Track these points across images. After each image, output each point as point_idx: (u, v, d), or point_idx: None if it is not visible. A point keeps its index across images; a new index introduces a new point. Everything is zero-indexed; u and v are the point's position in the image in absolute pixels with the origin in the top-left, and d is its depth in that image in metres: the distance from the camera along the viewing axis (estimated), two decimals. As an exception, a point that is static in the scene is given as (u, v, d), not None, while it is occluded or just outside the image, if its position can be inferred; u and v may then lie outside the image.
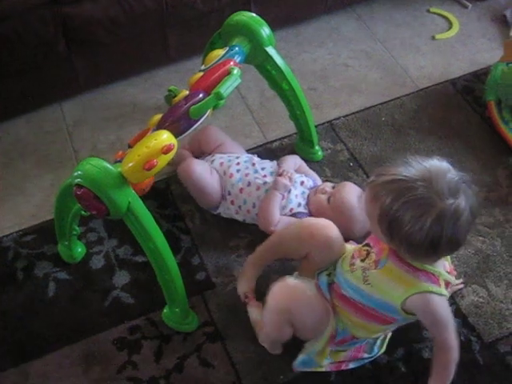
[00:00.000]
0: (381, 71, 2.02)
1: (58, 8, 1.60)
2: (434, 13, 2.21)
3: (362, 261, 1.24)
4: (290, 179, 1.56)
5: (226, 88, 1.26)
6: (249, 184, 1.57)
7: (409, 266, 1.17)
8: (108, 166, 1.19)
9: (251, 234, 1.59)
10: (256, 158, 1.65)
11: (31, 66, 1.72)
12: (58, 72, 1.78)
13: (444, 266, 1.23)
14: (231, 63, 1.34)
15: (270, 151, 1.79)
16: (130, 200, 1.20)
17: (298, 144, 1.76)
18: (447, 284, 1.22)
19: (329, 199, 1.53)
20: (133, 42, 1.82)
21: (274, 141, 1.82)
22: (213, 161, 1.62)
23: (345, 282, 1.27)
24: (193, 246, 1.58)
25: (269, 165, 1.62)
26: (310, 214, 1.56)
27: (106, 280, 1.51)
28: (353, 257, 1.27)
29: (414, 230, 1.07)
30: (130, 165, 1.16)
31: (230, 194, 1.57)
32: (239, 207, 1.57)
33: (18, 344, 1.42)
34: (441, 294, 1.18)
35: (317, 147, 1.75)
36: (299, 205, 1.56)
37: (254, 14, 1.51)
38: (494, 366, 1.39)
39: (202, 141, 1.69)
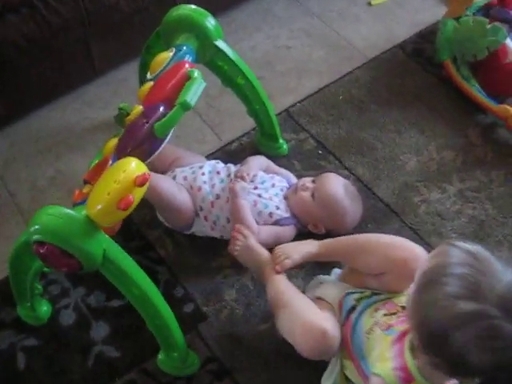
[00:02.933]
0: (325, 47, 1.89)
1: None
2: (364, -22, 2.10)
3: (385, 315, 1.10)
4: (244, 177, 1.40)
5: (192, 95, 1.09)
6: (217, 197, 1.40)
7: (401, 349, 1.00)
8: (71, 212, 1.00)
9: (233, 249, 1.43)
10: (220, 165, 1.48)
11: None
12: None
13: (439, 379, 0.98)
14: (186, 65, 1.16)
15: (229, 154, 1.63)
16: (105, 247, 1.01)
17: (260, 140, 1.61)
18: None
19: (313, 195, 1.39)
20: (53, 60, 1.60)
21: (232, 142, 1.66)
22: (174, 177, 1.45)
23: (357, 318, 1.14)
24: (171, 276, 1.40)
25: (234, 170, 1.46)
26: (294, 216, 1.41)
27: (83, 336, 1.31)
28: (384, 304, 1.13)
29: (437, 304, 0.87)
30: (100, 207, 0.97)
31: (201, 209, 1.40)
32: (214, 223, 1.41)
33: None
34: None
35: (281, 140, 1.60)
36: (277, 208, 1.41)
37: (194, 6, 1.34)
38: None
39: (155, 160, 1.49)
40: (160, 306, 1.12)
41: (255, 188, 1.41)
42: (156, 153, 1.10)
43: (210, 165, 1.47)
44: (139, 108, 1.14)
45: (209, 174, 1.43)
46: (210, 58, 1.37)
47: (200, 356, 1.27)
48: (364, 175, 1.58)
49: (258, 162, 1.49)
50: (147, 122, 1.08)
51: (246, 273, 1.39)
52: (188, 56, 1.24)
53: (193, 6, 1.34)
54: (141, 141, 1.08)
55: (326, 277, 1.33)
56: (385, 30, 1.95)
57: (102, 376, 1.26)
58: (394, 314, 1.09)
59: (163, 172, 1.47)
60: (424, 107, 1.73)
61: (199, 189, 1.40)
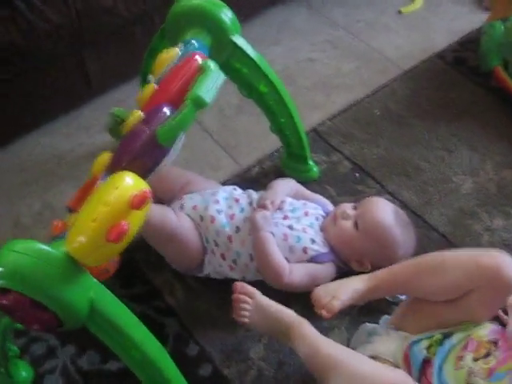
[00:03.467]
0: (354, 60, 1.66)
1: None
2: (391, -14, 1.89)
3: (475, 360, 0.85)
4: (267, 206, 1.14)
5: (207, 89, 0.83)
6: (237, 229, 1.14)
7: None
8: (46, 249, 0.74)
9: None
10: (238, 192, 1.23)
11: None
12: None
13: None
14: (197, 57, 0.92)
15: (249, 181, 1.37)
16: (93, 295, 0.75)
17: (286, 162, 1.36)
18: None
19: (356, 224, 1.13)
20: (41, 76, 1.36)
21: (253, 167, 1.40)
22: (182, 206, 1.19)
23: (440, 373, 0.87)
24: (183, 329, 1.13)
25: (255, 197, 1.20)
26: (333, 253, 1.14)
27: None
28: (465, 347, 0.88)
29: None
30: (84, 239, 0.71)
31: (217, 245, 1.14)
32: (233, 262, 1.14)
33: None
34: None
35: (311, 162, 1.35)
36: (313, 241, 1.14)
37: None
38: None
39: (160, 187, 1.22)
40: (168, 371, 0.86)
41: (285, 218, 1.15)
42: (159, 166, 0.84)
43: (225, 191, 1.21)
44: (138, 113, 0.89)
45: (225, 202, 1.17)
46: (226, 59, 1.12)
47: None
48: (412, 200, 1.31)
49: (285, 187, 1.23)
50: (147, 127, 0.83)
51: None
52: (200, 52, 0.99)
53: None
54: (139, 151, 0.83)
55: (375, 326, 1.06)
56: (419, 39, 1.72)
57: None
58: (488, 354, 0.85)
59: (170, 200, 1.22)
60: (474, 121, 1.48)
61: (212, 220, 1.14)
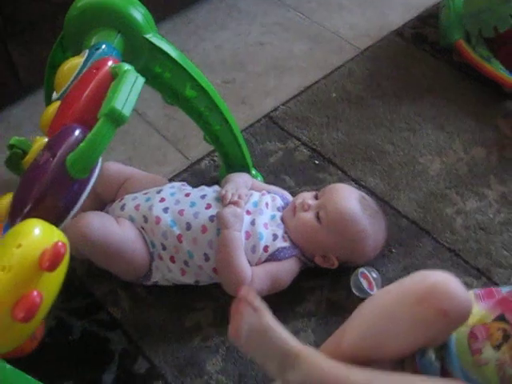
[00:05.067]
0: (307, 41, 1.55)
1: None
2: (343, -37, 1.79)
3: (497, 348, 0.73)
4: (238, 202, 1.01)
5: (124, 98, 0.67)
6: (188, 226, 1.01)
7: None
8: None
9: (213, 299, 1.03)
10: (188, 187, 1.10)
11: None
12: None
13: None
14: (109, 62, 0.76)
15: (199, 174, 1.25)
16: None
17: (224, 174, 1.17)
18: None
19: (318, 216, 1.01)
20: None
21: (201, 159, 1.28)
22: (123, 206, 1.05)
23: (465, 375, 0.74)
24: (130, 344, 0.99)
25: (210, 190, 1.07)
26: (296, 247, 1.02)
27: None
28: (474, 336, 0.75)
29: None
30: None
31: (164, 248, 1.01)
32: (185, 264, 1.01)
33: None
34: None
35: (254, 171, 1.20)
36: (275, 237, 1.02)
37: None
38: None
39: (98, 186, 1.08)
40: None
41: (247, 213, 1.03)
42: (77, 205, 0.68)
43: (172, 186, 1.08)
44: (42, 140, 0.74)
45: (171, 198, 1.04)
46: (144, 64, 0.95)
47: None
48: (377, 186, 1.21)
49: (242, 179, 1.11)
50: (52, 156, 0.66)
51: (234, 331, 0.99)
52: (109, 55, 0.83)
53: None
54: (47, 189, 0.66)
55: None
56: (375, 16, 1.62)
57: None
58: (507, 335, 0.73)
59: (109, 201, 1.08)
60: (438, 98, 1.39)
61: (157, 220, 1.01)
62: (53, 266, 0.55)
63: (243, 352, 0.89)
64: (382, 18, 1.61)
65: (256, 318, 0.80)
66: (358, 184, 1.21)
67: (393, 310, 0.77)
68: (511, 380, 0.71)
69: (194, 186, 1.12)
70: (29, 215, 0.62)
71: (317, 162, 1.26)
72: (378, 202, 1.14)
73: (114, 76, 0.71)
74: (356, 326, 0.81)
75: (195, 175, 1.24)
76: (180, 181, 1.17)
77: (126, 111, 0.66)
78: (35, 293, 0.53)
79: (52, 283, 0.57)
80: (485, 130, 1.32)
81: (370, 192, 1.19)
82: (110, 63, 0.74)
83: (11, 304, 0.53)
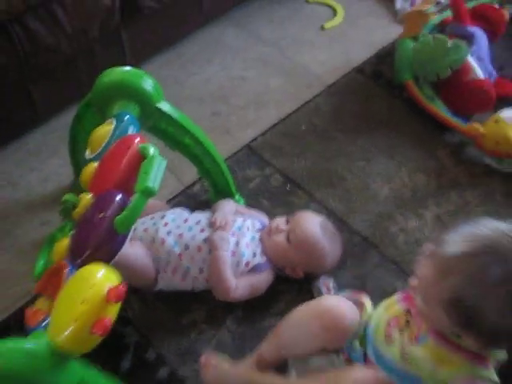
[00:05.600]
0: (282, 76, 1.82)
1: None
2: (313, 2, 2.05)
3: (401, 332, 1.02)
4: (225, 227, 1.29)
5: (154, 178, 0.93)
6: (187, 247, 1.28)
7: (452, 343, 0.96)
8: (29, 346, 0.81)
9: (206, 302, 1.31)
10: (185, 213, 1.37)
11: None
12: None
13: None
14: (137, 140, 1.01)
15: (191, 197, 1.52)
16: (82, 377, 0.85)
17: (215, 199, 1.45)
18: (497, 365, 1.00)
19: (288, 238, 1.29)
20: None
21: (193, 184, 1.54)
22: (134, 229, 1.31)
23: (377, 355, 1.04)
24: (141, 338, 1.27)
25: (203, 216, 1.35)
26: (271, 262, 1.31)
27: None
28: (389, 325, 1.04)
29: (503, 322, 0.88)
30: (67, 334, 0.79)
31: (168, 263, 1.28)
32: (184, 275, 1.29)
33: None
34: (487, 379, 0.96)
35: (237, 196, 1.48)
36: (254, 255, 1.30)
37: (128, 68, 1.20)
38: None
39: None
40: None
41: (233, 235, 1.30)
42: (118, 252, 0.94)
43: (173, 213, 1.35)
44: (87, 197, 0.99)
45: (173, 223, 1.31)
46: (153, 123, 1.23)
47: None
48: (337, 208, 1.49)
49: (228, 207, 1.38)
50: (104, 217, 0.91)
51: (221, 327, 1.27)
52: (132, 127, 1.10)
53: (126, 68, 1.20)
54: (101, 240, 0.91)
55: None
56: (341, 53, 1.89)
57: None
58: (408, 323, 1.02)
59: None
60: (391, 132, 1.67)
61: (162, 242, 1.28)
62: (118, 299, 0.81)
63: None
64: (347, 55, 1.87)
65: (216, 372, 1.13)
66: (321, 205, 1.49)
67: (299, 324, 1.09)
68: (408, 355, 0.99)
69: (189, 208, 1.39)
70: (88, 258, 0.88)
71: (288, 187, 1.53)
72: (336, 221, 1.43)
73: (143, 155, 0.97)
74: (274, 337, 1.13)
75: (188, 198, 1.51)
76: (176, 203, 1.45)
77: (156, 188, 0.93)
78: (107, 319, 0.80)
79: (115, 311, 0.83)
80: (427, 159, 1.60)
81: (331, 213, 1.47)
82: (137, 141, 1.00)
83: (90, 325, 0.79)
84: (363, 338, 1.08)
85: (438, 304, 0.92)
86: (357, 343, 1.07)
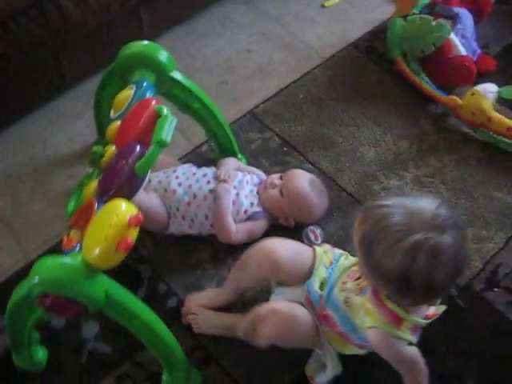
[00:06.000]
0: (284, 49, 2.00)
1: None
2: (316, -19, 2.22)
3: (353, 282, 1.20)
4: (227, 180, 1.50)
5: (167, 133, 1.13)
6: (194, 196, 1.50)
7: (379, 300, 1.13)
8: (68, 261, 1.03)
9: (210, 245, 1.53)
10: (194, 168, 1.58)
11: None
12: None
13: (423, 310, 1.16)
14: (153, 102, 1.21)
15: (200, 155, 1.73)
16: (107, 288, 1.06)
17: (219, 158, 1.65)
18: (415, 328, 1.15)
19: (281, 192, 1.50)
20: (26, 76, 1.67)
21: (202, 144, 1.75)
22: (149, 181, 1.53)
23: (329, 297, 1.24)
24: (154, 273, 1.49)
25: (210, 170, 1.56)
26: (266, 211, 1.52)
27: (75, 335, 1.39)
28: (349, 275, 1.24)
29: (385, 259, 1.02)
30: (98, 251, 1.00)
31: (178, 209, 1.50)
32: (192, 221, 1.50)
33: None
34: (399, 337, 1.12)
35: (239, 155, 1.68)
36: (252, 204, 1.51)
37: (146, 42, 1.40)
38: (475, 305, 1.43)
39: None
40: (162, 333, 1.18)
41: (234, 188, 1.51)
42: (137, 192, 1.15)
43: (183, 167, 1.56)
44: (112, 149, 1.20)
45: (183, 176, 1.52)
46: (167, 89, 1.43)
47: (186, 345, 1.35)
48: (327, 168, 1.69)
49: (231, 163, 1.59)
50: (127, 163, 1.12)
51: (223, 266, 1.49)
52: (149, 92, 1.30)
53: (145, 42, 1.40)
54: (123, 182, 1.11)
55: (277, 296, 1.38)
56: (339, 29, 2.06)
57: (96, 371, 1.35)
58: (360, 277, 1.20)
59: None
60: (380, 101, 1.85)
61: (174, 192, 1.49)
62: (136, 226, 1.02)
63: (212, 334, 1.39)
64: (344, 32, 2.05)
65: (198, 317, 1.38)
66: (314, 166, 1.69)
67: (247, 261, 1.33)
68: (349, 300, 1.18)
69: (197, 165, 1.60)
70: (113, 195, 1.09)
71: (285, 148, 1.73)
72: (326, 180, 1.63)
73: (158, 114, 1.18)
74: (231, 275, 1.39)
75: (197, 156, 1.72)
76: (186, 161, 1.65)
77: (168, 140, 1.14)
78: (129, 238, 1.01)
79: (135, 234, 1.03)
80: (410, 126, 1.78)
81: (322, 172, 1.67)
82: (153, 103, 1.21)
83: (115, 244, 1.00)
84: (325, 283, 1.28)
85: (357, 245, 1.07)
86: (315, 286, 1.28)
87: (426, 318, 1.16)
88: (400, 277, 1.02)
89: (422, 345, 1.17)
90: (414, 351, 1.14)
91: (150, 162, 1.12)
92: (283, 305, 1.25)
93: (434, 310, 1.18)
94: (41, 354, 1.35)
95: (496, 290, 1.46)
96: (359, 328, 1.18)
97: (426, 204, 1.03)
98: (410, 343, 1.13)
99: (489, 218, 1.59)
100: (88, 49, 1.76)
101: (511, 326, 1.40)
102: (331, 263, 1.32)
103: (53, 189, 1.66)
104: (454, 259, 1.01)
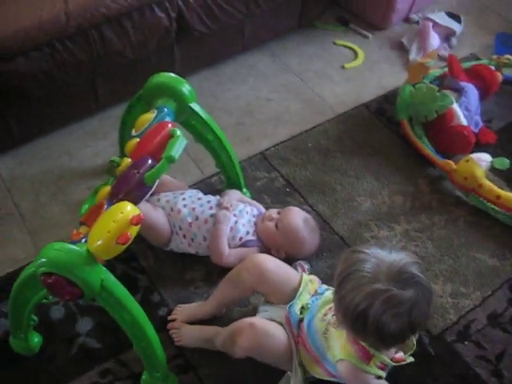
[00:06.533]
0: (301, 102, 2.17)
1: (-9, 65, 1.62)
2: (340, 44, 2.41)
3: (333, 316, 1.30)
4: (229, 208, 1.63)
5: (176, 151, 1.30)
6: (197, 218, 1.63)
7: (352, 335, 1.22)
8: (74, 247, 1.17)
9: (205, 265, 1.65)
10: (200, 194, 1.72)
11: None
12: (-9, 130, 1.78)
13: (390, 352, 1.25)
14: (169, 125, 1.38)
15: (209, 185, 1.87)
16: (103, 277, 1.19)
17: (225, 188, 1.79)
18: (383, 365, 1.25)
19: (276, 225, 1.63)
20: (64, 94, 1.85)
21: (212, 176, 1.90)
22: (158, 199, 1.68)
23: (309, 325, 1.35)
24: (151, 283, 1.62)
25: (214, 198, 1.70)
26: (260, 241, 1.64)
27: (69, 328, 1.52)
28: (330, 309, 1.33)
29: (348, 298, 1.12)
30: (100, 242, 1.14)
31: (181, 228, 1.63)
32: (191, 240, 1.63)
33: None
34: (366, 371, 1.23)
35: (244, 189, 1.82)
36: (247, 233, 1.64)
37: (173, 74, 1.57)
38: (444, 354, 1.52)
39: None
40: (147, 330, 1.29)
41: (234, 216, 1.65)
42: (143, 199, 1.30)
43: (191, 192, 1.71)
44: (128, 160, 1.35)
45: (189, 199, 1.66)
46: (185, 118, 1.59)
47: (169, 352, 1.45)
48: (324, 212, 1.82)
49: (235, 195, 1.74)
50: (138, 173, 1.28)
51: (215, 286, 1.59)
52: (168, 117, 1.46)
53: (171, 74, 1.56)
54: (132, 188, 1.27)
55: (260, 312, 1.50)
56: (354, 90, 2.23)
57: (83, 363, 1.46)
58: None
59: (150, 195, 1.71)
60: (382, 158, 1.99)
61: (179, 211, 1.63)
62: (137, 224, 1.16)
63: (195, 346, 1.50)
64: (359, 92, 2.21)
65: (179, 331, 1.49)
66: (312, 208, 1.82)
67: (236, 271, 1.46)
68: (328, 332, 1.30)
69: (204, 192, 1.74)
70: (122, 199, 1.24)
71: (288, 189, 1.87)
72: (321, 221, 1.76)
73: (171, 135, 1.34)
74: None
75: (206, 185, 1.86)
76: (196, 188, 1.80)
77: (176, 157, 1.29)
78: (129, 233, 1.14)
79: (134, 231, 1.17)
80: (408, 184, 1.91)
81: (318, 215, 1.80)
82: (169, 126, 1.37)
83: (117, 236, 1.13)
84: (306, 308, 1.39)
85: (337, 311, 1.20)
86: (296, 308, 1.39)
87: (393, 360, 1.26)
88: (356, 316, 1.12)
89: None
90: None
91: (157, 173, 1.28)
92: (261, 321, 1.37)
93: (401, 357, 1.28)
94: (36, 339, 1.47)
95: (466, 343, 1.55)
96: (331, 360, 1.29)
97: (397, 259, 1.13)
98: (379, 377, 1.23)
99: (469, 276, 1.69)
100: (123, 77, 1.94)
101: (477, 379, 1.49)
102: (316, 293, 1.44)
103: (72, 197, 1.81)
104: (409, 315, 1.11)
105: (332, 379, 1.36)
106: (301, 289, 1.42)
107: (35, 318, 1.43)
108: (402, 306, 1.10)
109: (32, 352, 1.46)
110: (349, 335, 1.24)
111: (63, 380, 1.43)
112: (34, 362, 1.46)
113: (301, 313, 1.39)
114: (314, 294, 1.44)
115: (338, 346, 1.27)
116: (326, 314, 1.34)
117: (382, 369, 1.25)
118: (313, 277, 1.49)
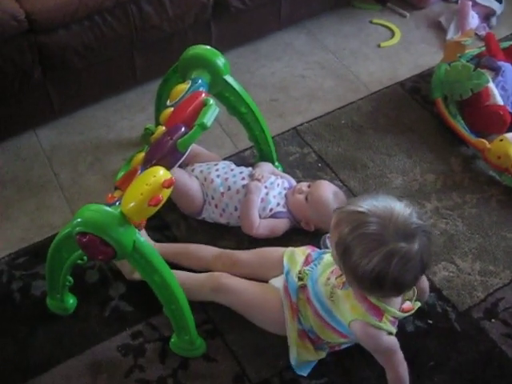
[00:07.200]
0: (335, 79, 2.18)
1: (34, 37, 1.67)
2: (377, 23, 2.40)
3: (336, 278, 1.33)
4: (260, 180, 1.66)
5: (209, 118, 1.33)
6: (229, 188, 1.67)
7: (360, 294, 1.26)
8: (108, 209, 1.21)
9: (236, 235, 1.69)
10: (233, 165, 1.76)
11: (7, 95, 1.77)
12: (33, 99, 1.84)
13: (397, 303, 1.29)
14: (203, 94, 1.41)
15: (242, 159, 1.90)
16: (135, 239, 1.22)
17: (257, 162, 1.81)
18: (394, 319, 1.28)
19: (306, 198, 1.65)
20: (103, 67, 1.91)
21: (246, 149, 1.93)
22: (193, 170, 1.72)
23: (314, 290, 1.37)
24: (183, 251, 1.66)
25: (246, 169, 1.73)
26: (290, 213, 1.67)
27: (103, 292, 1.58)
28: (332, 272, 1.36)
29: (361, 263, 1.14)
30: (133, 204, 1.18)
31: (213, 198, 1.67)
32: (223, 210, 1.67)
33: (24, 360, 1.46)
34: (379, 328, 1.25)
35: (277, 163, 1.84)
36: (278, 204, 1.67)
37: (208, 47, 1.60)
38: (470, 331, 1.52)
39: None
40: (177, 293, 1.32)
41: (265, 187, 1.68)
42: (176, 165, 1.34)
43: (224, 163, 1.75)
44: (162, 128, 1.39)
45: (222, 170, 1.70)
46: (219, 90, 1.62)
47: (198, 317, 1.49)
48: (355, 188, 1.83)
49: (267, 167, 1.77)
50: (171, 139, 1.32)
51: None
52: (202, 87, 1.49)
53: (207, 47, 1.60)
54: (165, 154, 1.31)
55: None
56: (389, 69, 2.22)
57: (115, 325, 1.52)
58: (342, 273, 1.31)
59: (186, 165, 1.75)
60: (415, 137, 1.99)
61: (212, 181, 1.67)
62: (168, 187, 1.19)
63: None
64: (394, 71, 2.20)
65: None
66: (343, 184, 1.83)
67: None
68: (334, 294, 1.31)
69: (237, 165, 1.77)
70: (155, 164, 1.28)
71: (320, 164, 1.89)
72: (351, 196, 1.77)
73: (205, 104, 1.37)
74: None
75: (239, 159, 1.89)
76: (229, 161, 1.83)
77: (209, 124, 1.33)
78: (160, 195, 1.18)
79: (166, 194, 1.21)
80: (440, 163, 1.90)
81: (349, 190, 1.81)
82: (203, 95, 1.40)
83: (150, 199, 1.17)
84: (305, 274, 1.42)
85: (333, 246, 1.22)
86: (294, 278, 1.43)
87: (402, 311, 1.28)
88: (374, 278, 1.15)
89: (410, 356, 1.31)
90: (393, 340, 1.27)
91: (190, 139, 1.31)
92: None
93: (409, 305, 1.31)
94: (71, 300, 1.53)
95: (493, 320, 1.55)
96: (343, 320, 1.31)
97: (399, 213, 1.15)
98: (390, 333, 1.25)
99: (499, 255, 1.68)
100: (160, 51, 1.98)
101: (501, 356, 1.49)
102: (312, 260, 1.47)
103: (108, 167, 1.87)
104: (421, 262, 1.17)
105: (342, 340, 1.39)
106: (285, 261, 1.47)
107: (71, 279, 1.49)
108: (415, 257, 1.15)
109: (67, 312, 1.53)
110: (356, 293, 1.27)
111: (96, 340, 1.49)
112: (68, 321, 1.52)
113: (300, 279, 1.42)
114: (308, 261, 1.47)
115: (348, 307, 1.29)
116: (329, 278, 1.36)
117: (394, 323, 1.28)
118: (301, 248, 1.53)
